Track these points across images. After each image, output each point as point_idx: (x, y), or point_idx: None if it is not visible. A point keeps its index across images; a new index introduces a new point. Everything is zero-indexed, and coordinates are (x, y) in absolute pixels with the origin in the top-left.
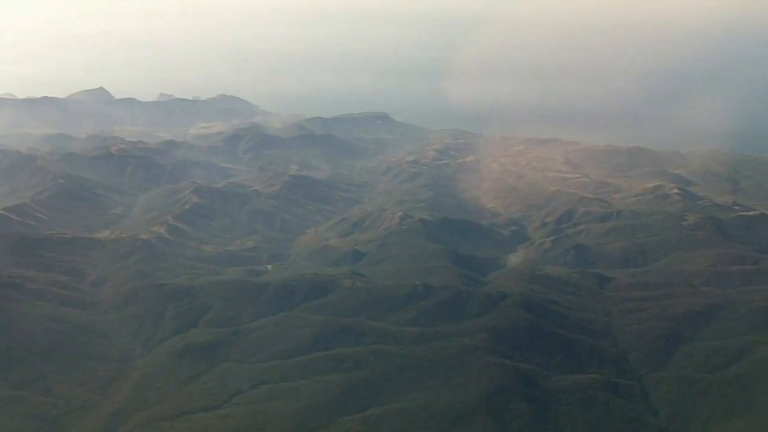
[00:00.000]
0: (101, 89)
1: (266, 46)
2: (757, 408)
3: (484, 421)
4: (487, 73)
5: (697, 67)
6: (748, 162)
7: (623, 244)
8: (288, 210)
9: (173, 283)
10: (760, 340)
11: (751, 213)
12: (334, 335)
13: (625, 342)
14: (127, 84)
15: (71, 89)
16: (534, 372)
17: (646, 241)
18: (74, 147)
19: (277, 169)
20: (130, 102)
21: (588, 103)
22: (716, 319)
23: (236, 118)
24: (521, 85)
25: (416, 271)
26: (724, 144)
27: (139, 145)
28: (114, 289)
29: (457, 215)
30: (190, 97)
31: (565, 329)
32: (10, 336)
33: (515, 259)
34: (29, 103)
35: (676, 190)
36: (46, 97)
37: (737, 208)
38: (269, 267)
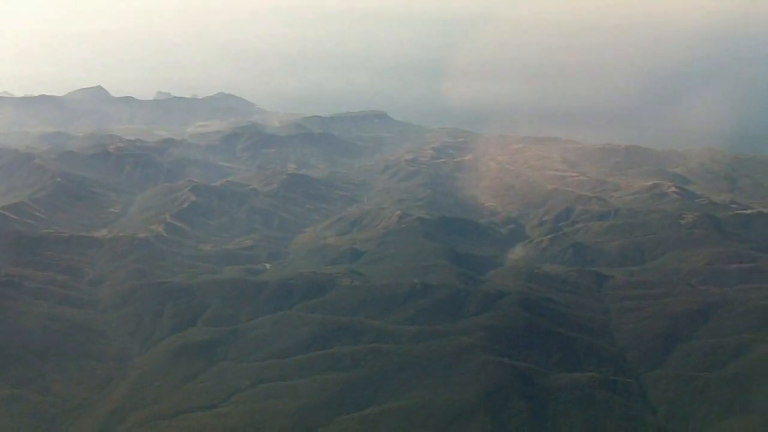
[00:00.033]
0: (99, 88)
1: (265, 45)
2: (755, 406)
3: (482, 419)
4: (486, 72)
5: (696, 66)
6: (746, 161)
7: (621, 243)
8: (286, 209)
9: (171, 281)
10: (758, 338)
11: (749, 211)
12: (332, 334)
13: (623, 340)
14: (125, 82)
15: (69, 88)
16: (532, 370)
17: (643, 239)
18: (72, 145)
19: (275, 168)
20: (128, 100)
21: (586, 102)
22: (714, 318)
23: (234, 116)
24: (520, 85)
25: (414, 270)
26: (722, 143)
27: (137, 144)
28: (112, 288)
29: (455, 214)
30: (188, 96)
31: (563, 328)
32: (8, 335)
33: (513, 256)
34: (27, 101)
35: (673, 189)
36: (44, 95)
37: (735, 206)
38: (267, 266)
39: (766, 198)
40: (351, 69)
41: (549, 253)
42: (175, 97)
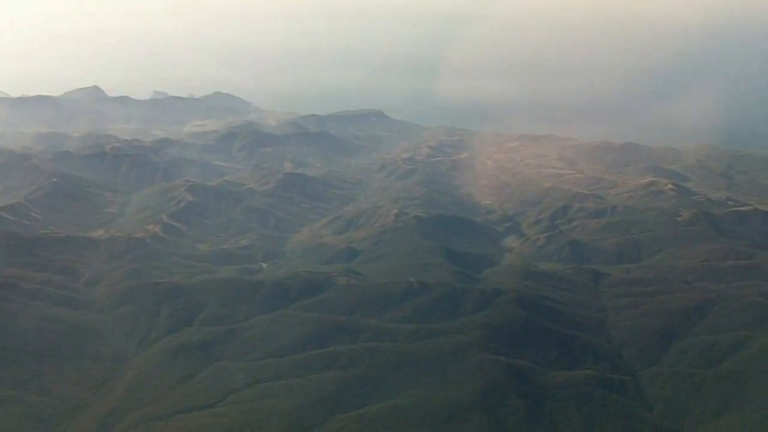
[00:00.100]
0: (95, 87)
1: (261, 44)
2: (751, 403)
3: (479, 417)
4: (482, 70)
5: (691, 63)
6: (742, 157)
7: (618, 240)
8: (282, 208)
9: (168, 281)
10: (754, 335)
11: (745, 208)
12: (328, 333)
13: (620, 338)
14: (121, 82)
15: (65, 87)
16: (529, 368)
17: (640, 236)
18: (68, 145)
19: (271, 167)
20: (124, 100)
21: (582, 99)
22: (710, 315)
23: (231, 115)
24: (516, 82)
25: (411, 268)
26: (718, 140)
27: (134, 144)
28: (108, 289)
29: (451, 212)
30: (184, 95)
31: (559, 325)
32: (4, 336)
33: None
34: (23, 101)
35: (670, 186)
36: (40, 95)
37: (731, 203)
38: (264, 265)
39: (762, 195)
40: (346, 67)
41: (545, 251)
42: (172, 96)
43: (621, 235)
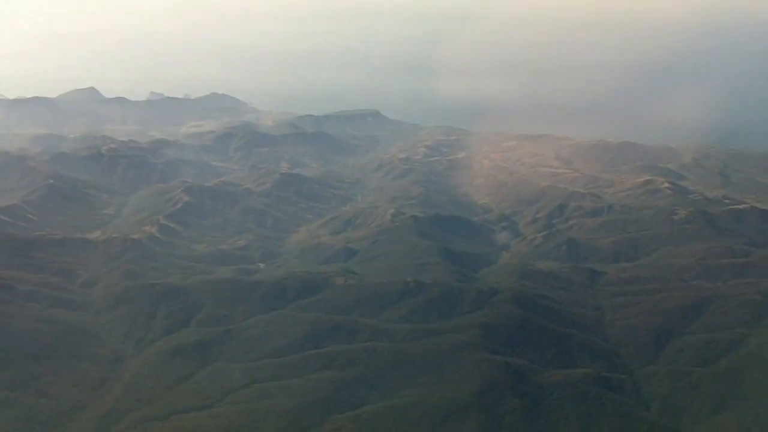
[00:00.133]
0: (91, 89)
1: (261, 44)
2: (748, 400)
3: (476, 416)
4: (478, 69)
5: (687, 61)
6: (738, 156)
7: (614, 239)
8: (280, 208)
9: (165, 282)
10: (750, 333)
11: (742, 206)
12: (326, 333)
13: (617, 336)
14: (118, 83)
15: (61, 89)
16: (526, 367)
17: (637, 235)
18: (65, 147)
19: (268, 167)
20: (120, 101)
21: (579, 98)
22: (707, 313)
23: (227, 116)
24: (512, 82)
25: (408, 268)
26: (715, 138)
27: (130, 145)
28: (105, 290)
29: (448, 212)
30: (180, 96)
31: (556, 324)
32: (1, 338)
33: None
34: (19, 103)
35: (666, 185)
36: (36, 96)
37: (727, 201)
38: (261, 265)
39: (759, 193)
40: (347, 67)
41: (542, 250)
42: (168, 97)
43: (618, 234)
